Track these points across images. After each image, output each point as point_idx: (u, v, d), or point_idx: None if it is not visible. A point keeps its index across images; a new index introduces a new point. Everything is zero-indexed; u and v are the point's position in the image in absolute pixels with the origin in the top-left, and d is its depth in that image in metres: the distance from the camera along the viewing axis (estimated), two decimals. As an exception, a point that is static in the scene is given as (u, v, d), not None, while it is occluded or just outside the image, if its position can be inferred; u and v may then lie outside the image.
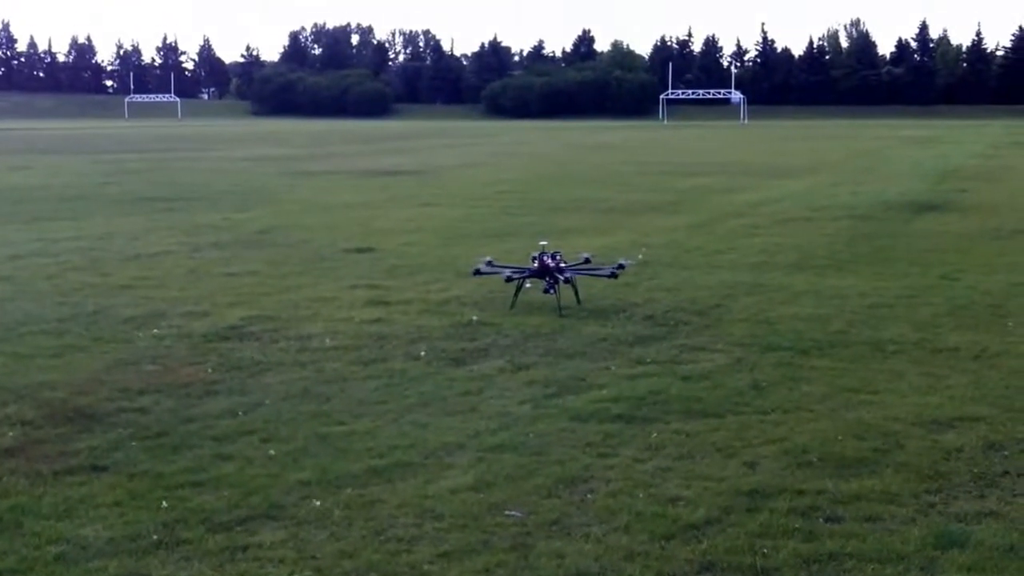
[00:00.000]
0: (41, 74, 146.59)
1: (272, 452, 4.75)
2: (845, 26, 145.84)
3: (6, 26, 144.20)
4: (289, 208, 15.91)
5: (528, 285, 8.15)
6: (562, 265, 7.97)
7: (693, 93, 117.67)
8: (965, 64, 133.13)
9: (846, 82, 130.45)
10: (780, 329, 7.24)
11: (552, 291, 7.84)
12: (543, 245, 8.23)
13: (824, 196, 17.74)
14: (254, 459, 4.67)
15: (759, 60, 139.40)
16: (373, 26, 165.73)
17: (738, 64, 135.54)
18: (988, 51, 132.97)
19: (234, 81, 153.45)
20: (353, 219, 14.37)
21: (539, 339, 7.00)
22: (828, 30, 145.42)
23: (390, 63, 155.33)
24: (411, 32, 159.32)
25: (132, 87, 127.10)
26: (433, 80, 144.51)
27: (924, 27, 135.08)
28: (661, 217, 14.58)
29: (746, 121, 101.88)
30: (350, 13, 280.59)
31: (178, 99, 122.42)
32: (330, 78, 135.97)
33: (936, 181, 21.10)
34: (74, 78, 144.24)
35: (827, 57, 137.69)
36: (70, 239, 12.00)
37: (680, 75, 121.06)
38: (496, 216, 14.67)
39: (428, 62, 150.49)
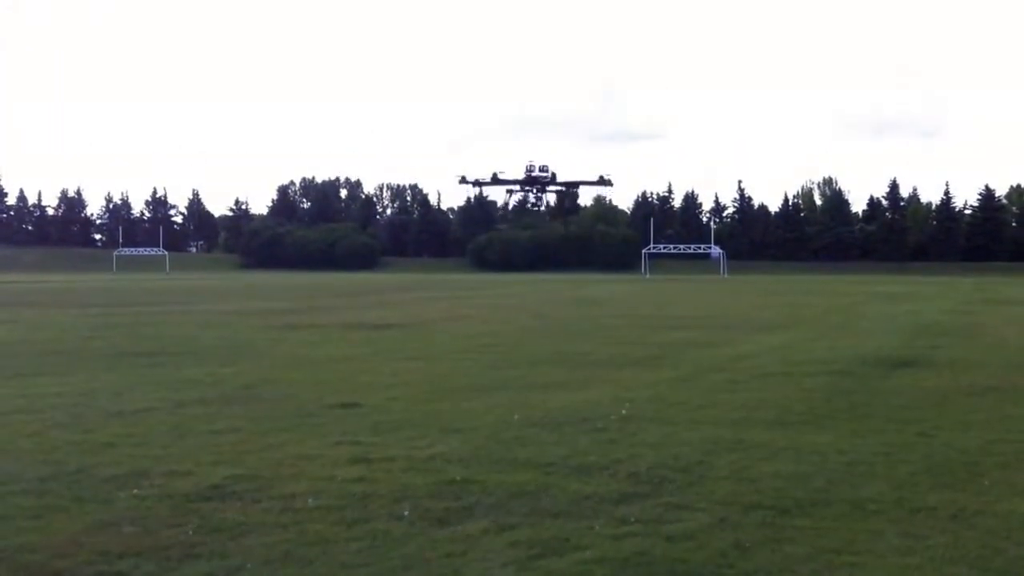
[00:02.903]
0: (29, 227, 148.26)
1: (252, 618, 4.70)
2: (819, 184, 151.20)
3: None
4: (274, 362, 16.01)
5: (517, 190, 8.06)
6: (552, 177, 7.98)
7: (674, 248, 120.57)
8: (935, 222, 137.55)
9: (821, 238, 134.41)
10: (762, 487, 7.29)
11: (539, 203, 7.85)
12: (531, 162, 8.31)
13: (802, 351, 18.04)
14: (234, 625, 4.61)
15: (737, 216, 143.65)
16: (361, 180, 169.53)
17: (717, 220, 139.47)
18: (957, 210, 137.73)
19: (223, 234, 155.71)
20: (338, 373, 14.47)
21: (523, 498, 7.01)
22: (803, 188, 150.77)
23: (378, 216, 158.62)
24: (398, 186, 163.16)
25: (121, 240, 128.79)
26: (420, 233, 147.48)
27: (895, 186, 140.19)
28: (644, 371, 14.76)
29: (725, 275, 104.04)
30: (339, 167, 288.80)
31: (166, 252, 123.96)
32: (318, 231, 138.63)
33: (910, 337, 21.52)
34: (63, 231, 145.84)
35: (802, 214, 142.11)
36: (53, 395, 12.00)
37: (661, 230, 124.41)
38: (481, 370, 14.81)
39: (415, 215, 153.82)
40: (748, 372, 14.62)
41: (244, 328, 24.05)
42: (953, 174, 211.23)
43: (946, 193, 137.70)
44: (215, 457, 8.36)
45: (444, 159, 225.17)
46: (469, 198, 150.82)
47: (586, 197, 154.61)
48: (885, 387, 13.04)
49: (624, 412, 10.55)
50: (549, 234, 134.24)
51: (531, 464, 8.04)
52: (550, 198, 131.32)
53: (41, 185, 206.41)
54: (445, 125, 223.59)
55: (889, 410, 10.99)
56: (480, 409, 10.92)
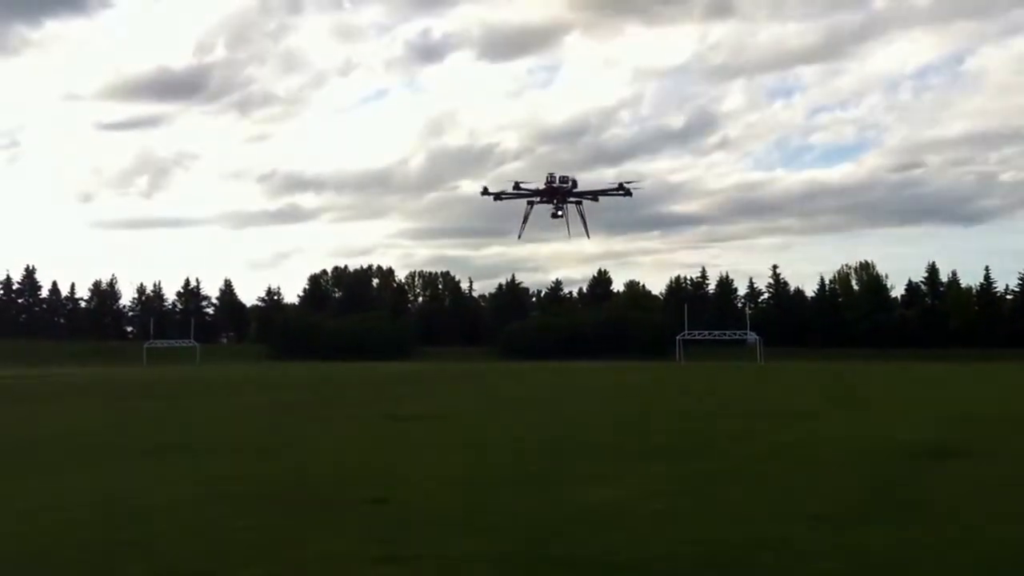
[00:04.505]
0: (61, 320, 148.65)
1: None
2: (855, 269, 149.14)
3: (31, 272, 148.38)
4: (304, 455, 15.84)
5: (538, 201, 7.83)
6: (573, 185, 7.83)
7: (709, 334, 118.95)
8: (976, 307, 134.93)
9: (859, 324, 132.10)
10: (806, 588, 6.95)
11: (560, 214, 7.69)
12: (551, 175, 8.20)
13: (843, 441, 17.55)
14: None
15: (772, 301, 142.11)
16: (393, 268, 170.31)
17: (752, 306, 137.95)
18: (998, 293, 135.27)
19: (254, 324, 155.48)
20: (368, 467, 14.25)
21: (555, 600, 6.73)
22: (839, 273, 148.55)
23: (409, 305, 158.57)
24: (430, 274, 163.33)
25: (152, 332, 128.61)
26: (451, 321, 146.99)
27: (934, 270, 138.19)
28: (681, 462, 14.39)
29: (762, 361, 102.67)
30: (371, 256, 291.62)
31: (197, 344, 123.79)
32: (350, 321, 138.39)
33: (956, 425, 20.90)
34: (95, 323, 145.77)
35: (839, 299, 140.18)
36: (80, 491, 11.90)
37: (695, 314, 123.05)
38: (512, 463, 14.54)
39: (447, 303, 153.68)
40: (788, 463, 14.21)
41: (273, 420, 23.96)
42: (993, 258, 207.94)
43: (986, 277, 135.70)
44: (241, 556, 8.17)
45: (474, 247, 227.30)
46: (500, 285, 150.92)
47: (619, 282, 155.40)
48: (931, 478, 12.59)
49: (660, 507, 10.23)
50: (582, 321, 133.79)
51: (564, 562, 7.76)
52: (582, 285, 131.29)
53: (74, 276, 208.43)
54: (476, 209, 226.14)
55: (936, 502, 10.56)
56: (512, 503, 10.65)
